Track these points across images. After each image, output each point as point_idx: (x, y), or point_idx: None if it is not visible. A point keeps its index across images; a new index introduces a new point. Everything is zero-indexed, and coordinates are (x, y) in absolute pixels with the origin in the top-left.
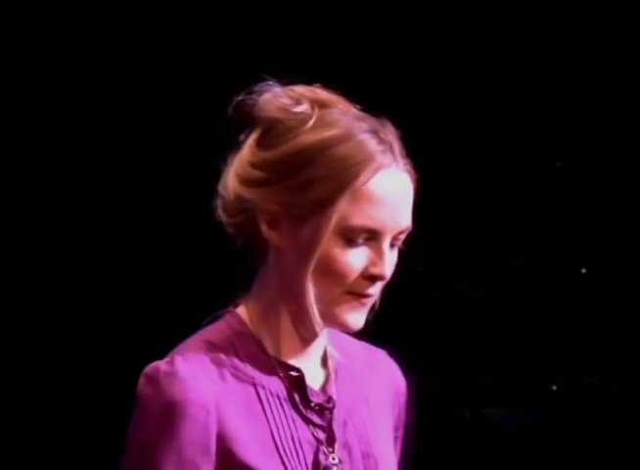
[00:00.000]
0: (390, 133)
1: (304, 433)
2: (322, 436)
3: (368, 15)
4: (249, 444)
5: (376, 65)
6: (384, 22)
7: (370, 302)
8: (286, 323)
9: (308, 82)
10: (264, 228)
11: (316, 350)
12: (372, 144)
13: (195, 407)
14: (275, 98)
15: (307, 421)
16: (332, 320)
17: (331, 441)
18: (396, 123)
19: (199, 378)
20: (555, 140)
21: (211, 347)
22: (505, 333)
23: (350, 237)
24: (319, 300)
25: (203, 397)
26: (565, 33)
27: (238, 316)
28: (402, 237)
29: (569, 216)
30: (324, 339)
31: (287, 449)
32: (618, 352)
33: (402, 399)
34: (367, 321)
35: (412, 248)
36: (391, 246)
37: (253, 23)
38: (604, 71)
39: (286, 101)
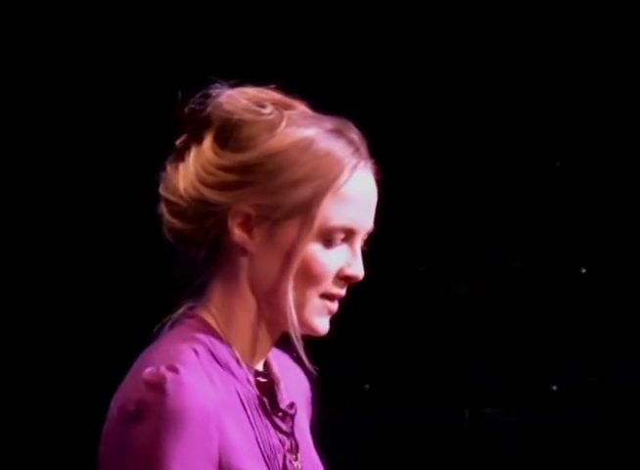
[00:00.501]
0: (355, 133)
1: (275, 440)
2: (287, 443)
3: (368, 15)
4: (243, 450)
5: (376, 64)
6: (384, 21)
7: (337, 306)
8: (255, 329)
9: (311, 84)
10: (236, 232)
11: (266, 355)
12: (344, 144)
13: (201, 414)
14: (235, 100)
15: (276, 427)
16: (304, 325)
17: (295, 448)
18: (397, 125)
19: (202, 387)
20: (555, 140)
21: (197, 354)
22: (505, 333)
23: (329, 238)
24: (297, 306)
25: (206, 404)
26: (565, 33)
27: (205, 322)
28: (366, 237)
29: (568, 216)
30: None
31: (269, 456)
32: (618, 352)
33: (309, 396)
34: (367, 321)
35: (412, 248)
36: (361, 244)
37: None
38: (604, 71)
39: (248, 102)
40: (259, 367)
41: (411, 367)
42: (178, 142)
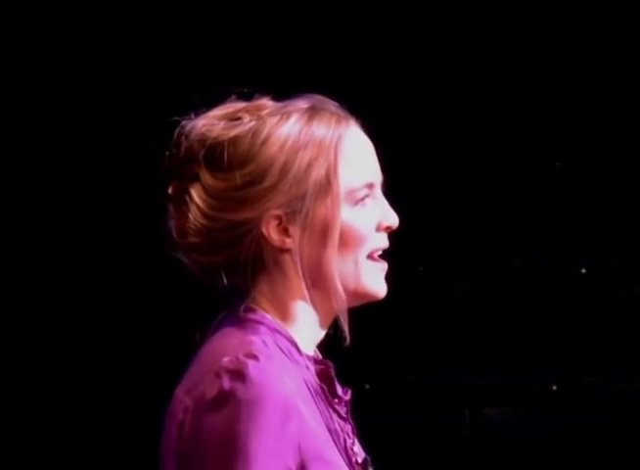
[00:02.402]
0: (330, 103)
1: (336, 425)
2: (346, 428)
3: (367, 14)
4: (319, 435)
5: (376, 65)
6: (384, 21)
7: (386, 264)
8: (310, 318)
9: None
10: (274, 237)
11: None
12: (327, 116)
13: (282, 400)
14: (211, 124)
15: (335, 413)
16: (364, 292)
17: (353, 432)
18: (397, 125)
19: (279, 372)
20: (555, 140)
21: (266, 345)
22: (505, 333)
23: (356, 198)
24: (347, 276)
25: (286, 390)
26: (565, 33)
27: (263, 316)
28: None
29: (568, 216)
30: None
31: (337, 442)
32: (618, 352)
33: None
34: (367, 321)
35: (412, 248)
36: None
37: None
38: (604, 71)
39: (224, 121)
40: (314, 355)
41: (411, 367)
42: (171, 190)
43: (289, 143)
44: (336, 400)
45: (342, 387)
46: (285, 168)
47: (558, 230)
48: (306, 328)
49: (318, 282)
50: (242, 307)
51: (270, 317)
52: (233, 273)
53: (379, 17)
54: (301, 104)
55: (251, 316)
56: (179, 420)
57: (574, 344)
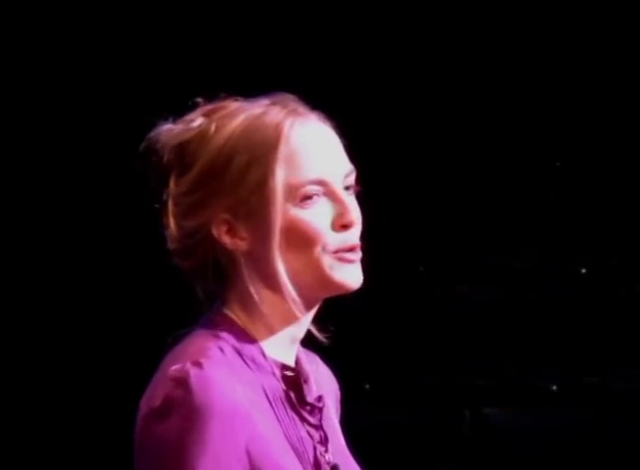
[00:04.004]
0: (288, 98)
1: (303, 433)
2: (316, 436)
3: (368, 15)
4: (274, 444)
5: (376, 64)
6: (384, 20)
7: (359, 255)
8: (276, 321)
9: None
10: (226, 240)
11: (296, 349)
12: (277, 110)
13: (228, 410)
14: (168, 129)
15: (303, 421)
16: (331, 285)
17: (324, 440)
18: (397, 125)
19: (227, 381)
20: (555, 140)
21: (222, 350)
22: (505, 333)
23: (301, 197)
24: (307, 272)
25: (233, 400)
26: (565, 33)
27: (230, 320)
28: (351, 180)
29: (568, 217)
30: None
31: (299, 449)
32: (618, 352)
33: (339, 402)
34: (367, 321)
35: (412, 248)
36: (348, 190)
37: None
38: (604, 71)
39: (180, 125)
40: (290, 362)
41: (411, 367)
42: (163, 196)
43: (228, 145)
44: (308, 408)
45: (318, 395)
46: (223, 171)
47: (558, 230)
48: (274, 332)
49: (271, 282)
50: (215, 311)
51: (238, 322)
52: (204, 279)
53: (378, 17)
54: (260, 102)
55: (218, 321)
56: (136, 427)
57: (574, 344)
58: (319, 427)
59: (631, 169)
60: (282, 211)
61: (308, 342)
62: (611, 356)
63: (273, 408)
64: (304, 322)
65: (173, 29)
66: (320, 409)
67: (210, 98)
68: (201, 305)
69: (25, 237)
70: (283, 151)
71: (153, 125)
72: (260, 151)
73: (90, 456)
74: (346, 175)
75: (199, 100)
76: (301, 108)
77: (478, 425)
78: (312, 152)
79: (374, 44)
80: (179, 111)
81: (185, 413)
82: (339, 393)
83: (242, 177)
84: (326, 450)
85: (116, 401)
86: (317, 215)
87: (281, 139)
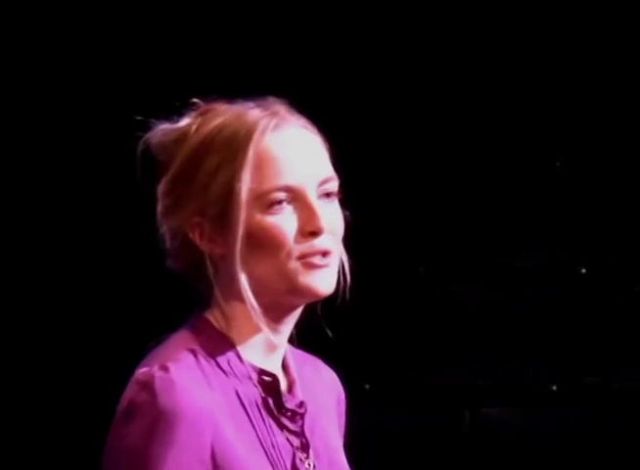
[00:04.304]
0: (273, 102)
1: (281, 439)
2: (296, 442)
3: (367, 15)
4: (242, 450)
5: (376, 63)
6: (383, 20)
7: (330, 261)
8: (254, 327)
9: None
10: (201, 243)
11: (281, 353)
12: (255, 113)
13: (192, 415)
14: (157, 129)
15: (282, 427)
16: (299, 291)
17: (305, 447)
18: (397, 125)
19: (193, 385)
20: (555, 140)
21: (194, 354)
22: (505, 333)
23: (268, 202)
24: (274, 277)
25: (199, 404)
26: (565, 33)
27: (209, 324)
28: (331, 187)
29: (568, 216)
30: (285, 344)
31: (273, 455)
32: (618, 352)
33: (343, 406)
34: (367, 321)
35: (412, 248)
36: (328, 197)
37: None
38: (604, 71)
39: (169, 125)
40: (270, 367)
41: (411, 367)
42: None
43: (203, 146)
44: (288, 414)
45: (299, 401)
46: (195, 172)
47: (558, 230)
48: (253, 336)
49: (237, 287)
50: (194, 315)
51: (217, 326)
52: (193, 280)
53: (378, 16)
54: (245, 105)
55: (197, 325)
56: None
57: (574, 344)
58: (300, 433)
59: (631, 169)
60: (248, 216)
61: (310, 343)
62: (611, 356)
63: (247, 414)
64: (282, 329)
65: (173, 30)
66: (302, 415)
67: (207, 99)
68: (193, 305)
69: (24, 236)
70: (251, 155)
71: (149, 126)
72: (230, 154)
73: (83, 456)
74: (323, 182)
75: (195, 100)
76: (284, 111)
77: (478, 425)
78: (282, 157)
79: (375, 42)
80: (179, 112)
81: (148, 417)
82: (343, 397)
83: (211, 180)
84: (307, 457)
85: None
86: (284, 221)
87: (251, 143)
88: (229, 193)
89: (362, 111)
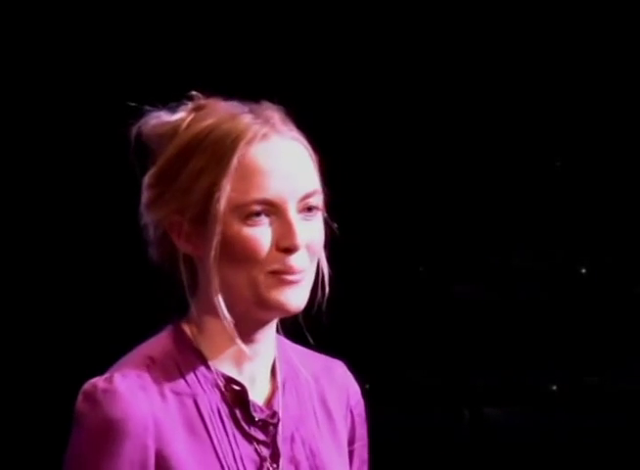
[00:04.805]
0: (268, 109)
1: (246, 450)
2: (266, 452)
3: (368, 14)
4: (190, 462)
5: (376, 63)
6: (383, 20)
7: (303, 278)
8: (225, 335)
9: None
10: (179, 243)
11: (262, 362)
12: (246, 119)
13: (134, 425)
14: (153, 119)
15: (249, 437)
16: (268, 305)
17: (275, 457)
18: (397, 125)
19: (138, 395)
20: (555, 140)
21: (152, 362)
22: (505, 333)
23: (246, 213)
24: (244, 288)
25: (142, 414)
26: (565, 33)
27: (180, 330)
28: (314, 202)
29: (568, 216)
30: (271, 351)
31: (231, 467)
32: (618, 352)
33: (356, 411)
34: (367, 321)
35: (412, 248)
36: (310, 212)
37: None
38: (604, 71)
39: (163, 117)
40: (251, 376)
41: (411, 367)
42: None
43: (190, 145)
44: (260, 423)
45: (272, 411)
46: (179, 171)
47: (557, 230)
48: (223, 345)
49: (211, 294)
50: (172, 322)
51: (190, 333)
52: (171, 271)
53: (378, 16)
54: (238, 108)
55: (169, 331)
56: None
57: (574, 344)
58: (270, 443)
59: (631, 169)
60: (225, 224)
61: (310, 343)
62: (611, 357)
63: (205, 424)
64: (258, 339)
65: (172, 29)
66: (275, 425)
67: (206, 93)
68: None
69: (22, 235)
70: (235, 164)
71: (143, 112)
72: (214, 159)
73: None
74: (305, 197)
75: (194, 93)
76: (277, 119)
77: (478, 425)
78: (265, 170)
79: (371, 44)
80: (177, 100)
81: (89, 427)
82: (354, 404)
83: (193, 182)
84: (277, 467)
85: None
86: (260, 234)
87: (235, 152)
88: (208, 199)
89: (362, 110)
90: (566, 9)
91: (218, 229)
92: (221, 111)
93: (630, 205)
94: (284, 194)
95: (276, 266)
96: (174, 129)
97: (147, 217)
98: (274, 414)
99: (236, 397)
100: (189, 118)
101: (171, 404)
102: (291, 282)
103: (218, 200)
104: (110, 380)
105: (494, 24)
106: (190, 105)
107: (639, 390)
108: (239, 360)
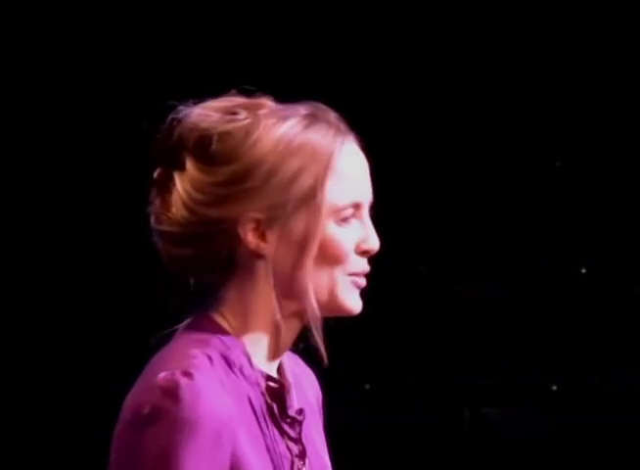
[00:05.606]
0: (330, 113)
1: (282, 447)
2: (295, 449)
3: (368, 14)
4: (253, 459)
5: (376, 64)
6: (384, 21)
7: (365, 281)
8: (274, 330)
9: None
10: (250, 240)
11: (279, 360)
12: (325, 126)
13: (214, 422)
14: (207, 115)
15: (283, 434)
16: (338, 307)
17: (302, 455)
18: (397, 125)
19: (216, 392)
20: (555, 140)
21: (210, 359)
22: (505, 333)
23: (341, 217)
24: (323, 289)
25: (220, 412)
26: (565, 33)
27: (219, 325)
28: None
29: (568, 216)
30: None
31: (278, 465)
32: (618, 352)
33: (321, 404)
34: (367, 321)
35: (412, 248)
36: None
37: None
38: (604, 72)
39: (220, 114)
40: (272, 372)
41: (411, 367)
42: (156, 175)
43: (280, 147)
44: (289, 420)
45: (299, 408)
46: (271, 172)
47: (558, 230)
48: (266, 341)
49: (289, 293)
50: (204, 314)
51: (227, 327)
52: (202, 270)
53: (379, 16)
54: (301, 110)
55: (205, 325)
56: (117, 431)
57: (574, 344)
58: (298, 440)
59: (631, 169)
60: (323, 225)
61: (309, 343)
62: (611, 357)
63: (258, 421)
64: (293, 336)
65: (174, 28)
66: (300, 423)
67: (246, 91)
68: (182, 298)
69: (22, 233)
70: (333, 168)
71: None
72: (313, 163)
73: (87, 456)
74: (371, 202)
75: (233, 91)
76: (342, 124)
77: (478, 425)
78: (355, 174)
79: (372, 46)
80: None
81: (172, 424)
82: (320, 394)
83: (289, 184)
84: (303, 464)
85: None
86: (349, 236)
87: (333, 157)
88: (309, 201)
89: (363, 110)
90: (566, 11)
91: (320, 231)
92: (288, 113)
93: (630, 205)
94: (365, 197)
95: (354, 269)
96: (247, 129)
97: (203, 211)
98: (301, 411)
99: (273, 394)
100: (261, 120)
101: (235, 402)
102: (360, 285)
103: (322, 202)
104: (190, 376)
105: (495, 27)
106: (235, 102)
107: (639, 390)
108: (271, 357)
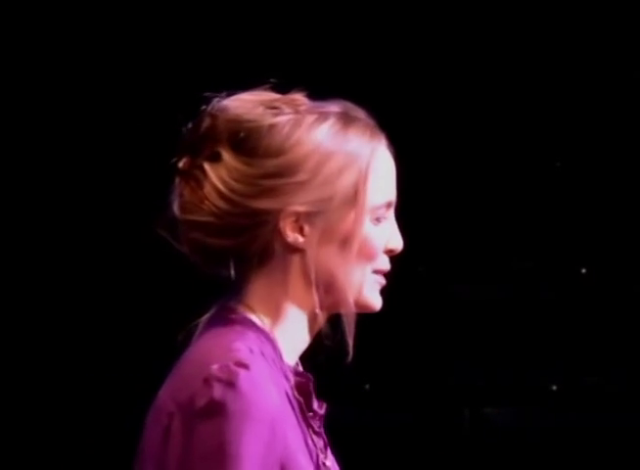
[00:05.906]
0: (362, 113)
1: (309, 440)
2: (320, 443)
3: (369, 14)
4: (299, 451)
5: (376, 65)
6: (385, 21)
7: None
8: (304, 324)
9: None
10: (289, 233)
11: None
12: (361, 126)
13: (270, 414)
14: (247, 107)
15: (309, 428)
16: (362, 304)
17: (325, 448)
18: (397, 125)
19: (269, 384)
20: (555, 140)
21: (251, 352)
22: (505, 333)
23: (377, 216)
24: (353, 287)
25: (276, 403)
26: (565, 33)
27: (249, 320)
28: None
29: (569, 217)
30: None
31: (313, 458)
32: (618, 352)
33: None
34: (366, 321)
35: (411, 248)
36: None
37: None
38: (604, 72)
39: (262, 107)
40: (298, 368)
41: (411, 367)
42: (182, 165)
43: (325, 144)
44: (310, 414)
45: (318, 401)
46: (317, 168)
47: (558, 230)
48: (294, 335)
49: (324, 288)
50: (229, 307)
51: (258, 320)
52: (233, 261)
53: (377, 18)
54: (335, 107)
55: (239, 319)
56: (163, 425)
57: (574, 344)
58: (320, 434)
59: (631, 170)
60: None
61: (309, 344)
62: (611, 356)
63: (296, 415)
64: (318, 330)
65: (174, 27)
66: (321, 416)
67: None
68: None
69: (22, 232)
70: (373, 167)
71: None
72: (356, 161)
73: (87, 456)
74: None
75: (267, 86)
76: (374, 124)
77: (478, 425)
78: (388, 175)
79: (369, 46)
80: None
81: (233, 415)
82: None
83: (335, 180)
84: (325, 457)
85: (112, 400)
86: (382, 235)
87: (374, 155)
88: (353, 197)
89: (364, 110)
90: (566, 11)
91: (361, 228)
92: (327, 110)
93: (630, 205)
94: (394, 197)
95: (380, 267)
96: (293, 124)
97: (245, 202)
98: (322, 404)
99: (301, 388)
100: (305, 116)
101: (278, 395)
102: (382, 283)
103: (365, 199)
104: (245, 366)
105: (496, 27)
106: (273, 97)
107: (639, 390)
108: (296, 352)
